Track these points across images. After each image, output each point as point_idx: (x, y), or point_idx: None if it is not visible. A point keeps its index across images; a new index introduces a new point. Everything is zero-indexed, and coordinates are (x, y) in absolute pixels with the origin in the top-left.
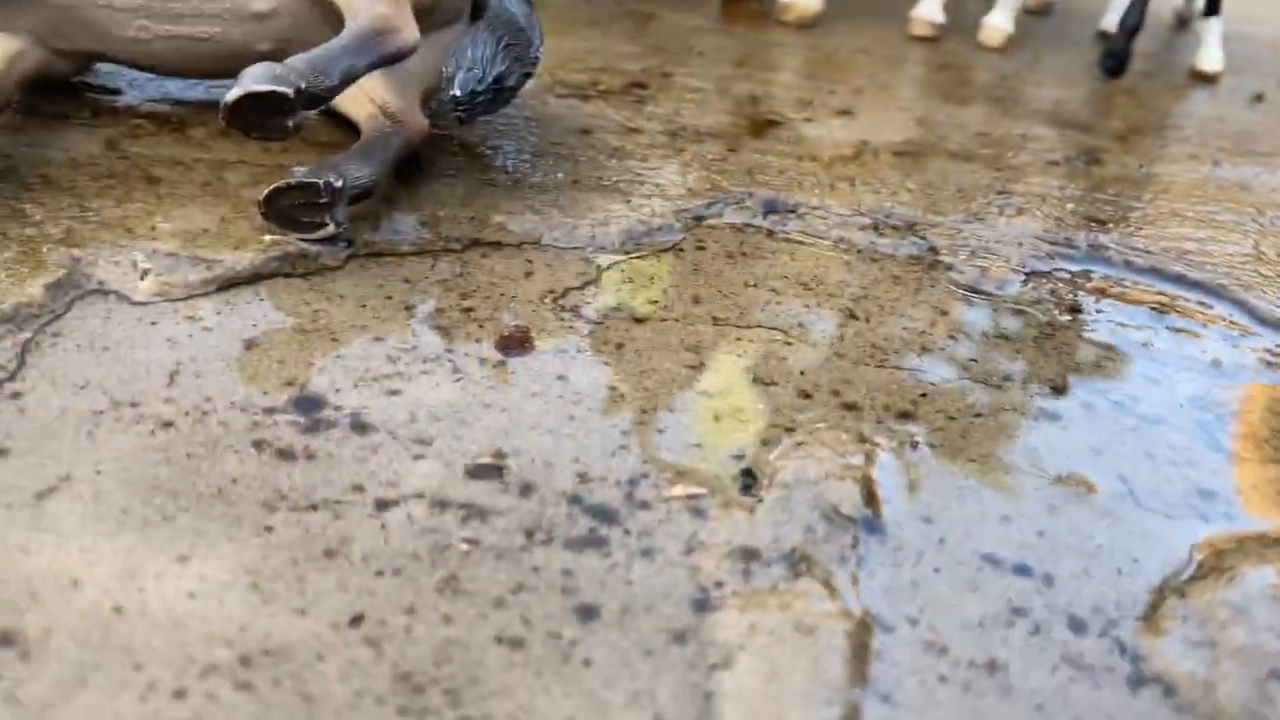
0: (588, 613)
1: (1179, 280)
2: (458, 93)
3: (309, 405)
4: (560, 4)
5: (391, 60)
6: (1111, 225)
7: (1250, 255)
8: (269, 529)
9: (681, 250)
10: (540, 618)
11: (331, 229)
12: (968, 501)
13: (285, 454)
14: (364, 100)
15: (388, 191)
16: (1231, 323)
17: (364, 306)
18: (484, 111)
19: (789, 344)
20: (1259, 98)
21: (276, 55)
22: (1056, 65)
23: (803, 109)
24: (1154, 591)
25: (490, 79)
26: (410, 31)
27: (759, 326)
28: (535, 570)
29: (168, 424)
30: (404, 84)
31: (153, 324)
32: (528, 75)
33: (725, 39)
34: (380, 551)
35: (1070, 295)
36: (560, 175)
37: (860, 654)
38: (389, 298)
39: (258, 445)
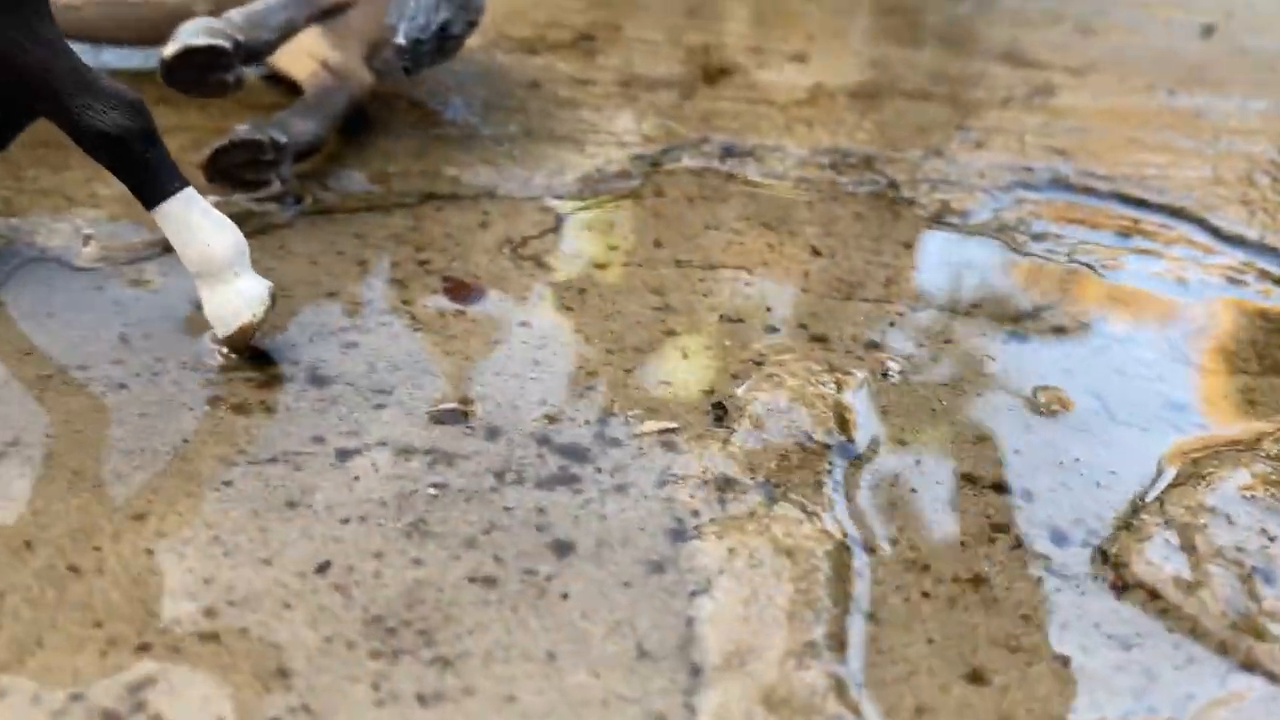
0: (562, 548)
1: (1141, 204)
2: (403, 41)
3: (263, 360)
4: None
5: (330, 13)
6: (1070, 154)
7: (1208, 178)
8: (228, 483)
9: (640, 196)
10: (513, 555)
11: (278, 187)
12: (941, 424)
13: (241, 409)
14: (305, 57)
15: (336, 149)
16: (1193, 242)
17: (315, 263)
18: (430, 62)
19: (753, 283)
20: (1209, 30)
21: (214, 14)
22: (1010, 4)
23: (756, 56)
24: (1133, 501)
25: (434, 27)
26: None
27: (723, 266)
28: (506, 510)
29: (120, 385)
30: (346, 38)
31: (98, 289)
32: (473, 24)
33: None
34: (344, 500)
35: (1033, 222)
36: (512, 128)
37: (841, 574)
38: (340, 253)
39: (212, 402)
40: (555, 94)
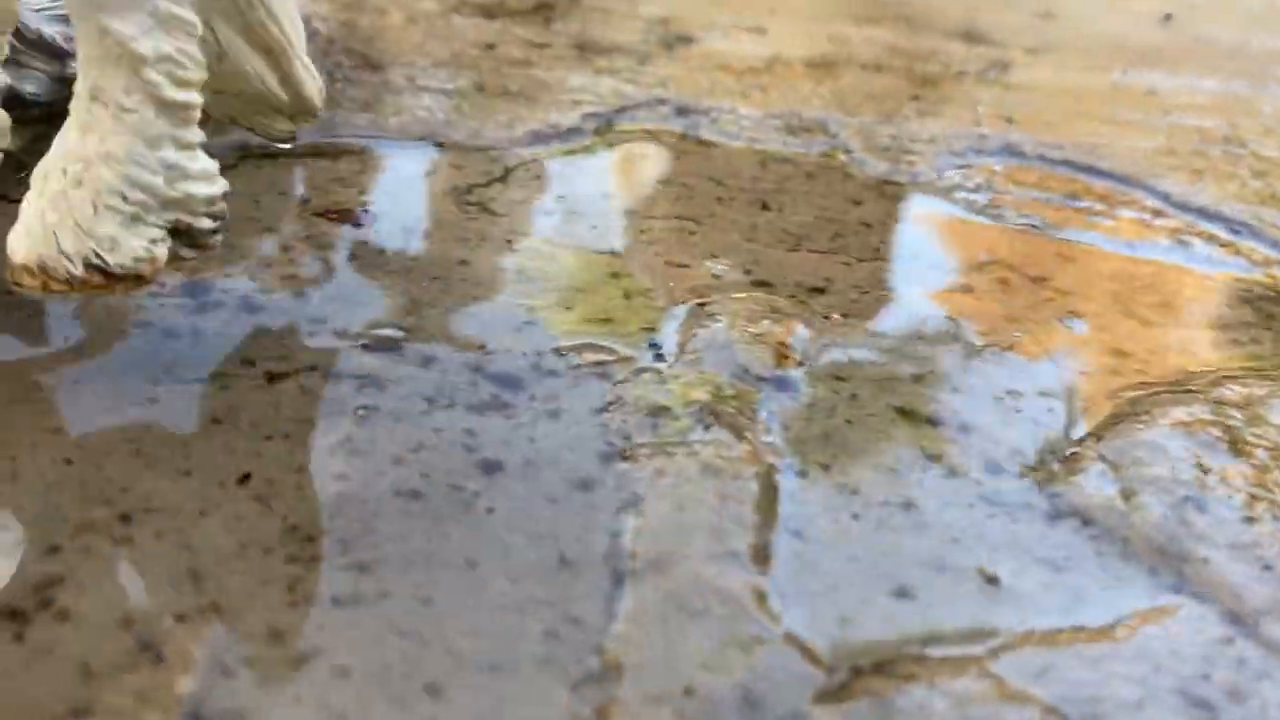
0: (491, 467)
1: (1091, 170)
2: None
3: (198, 291)
4: None
5: None
6: (1023, 124)
7: (1160, 149)
8: (153, 400)
9: (592, 151)
10: (441, 473)
11: None
12: (881, 359)
13: (170, 333)
14: None
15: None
16: (1144, 206)
17: (257, 202)
18: None
19: (699, 232)
20: (1168, 17)
21: None
22: None
23: (714, 28)
24: (1069, 436)
25: None
26: None
27: (672, 218)
28: (436, 431)
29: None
30: None
31: None
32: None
33: None
34: (270, 418)
35: (985, 184)
36: (463, 83)
37: (769, 494)
38: (282, 193)
39: (142, 326)
40: (510, 54)
